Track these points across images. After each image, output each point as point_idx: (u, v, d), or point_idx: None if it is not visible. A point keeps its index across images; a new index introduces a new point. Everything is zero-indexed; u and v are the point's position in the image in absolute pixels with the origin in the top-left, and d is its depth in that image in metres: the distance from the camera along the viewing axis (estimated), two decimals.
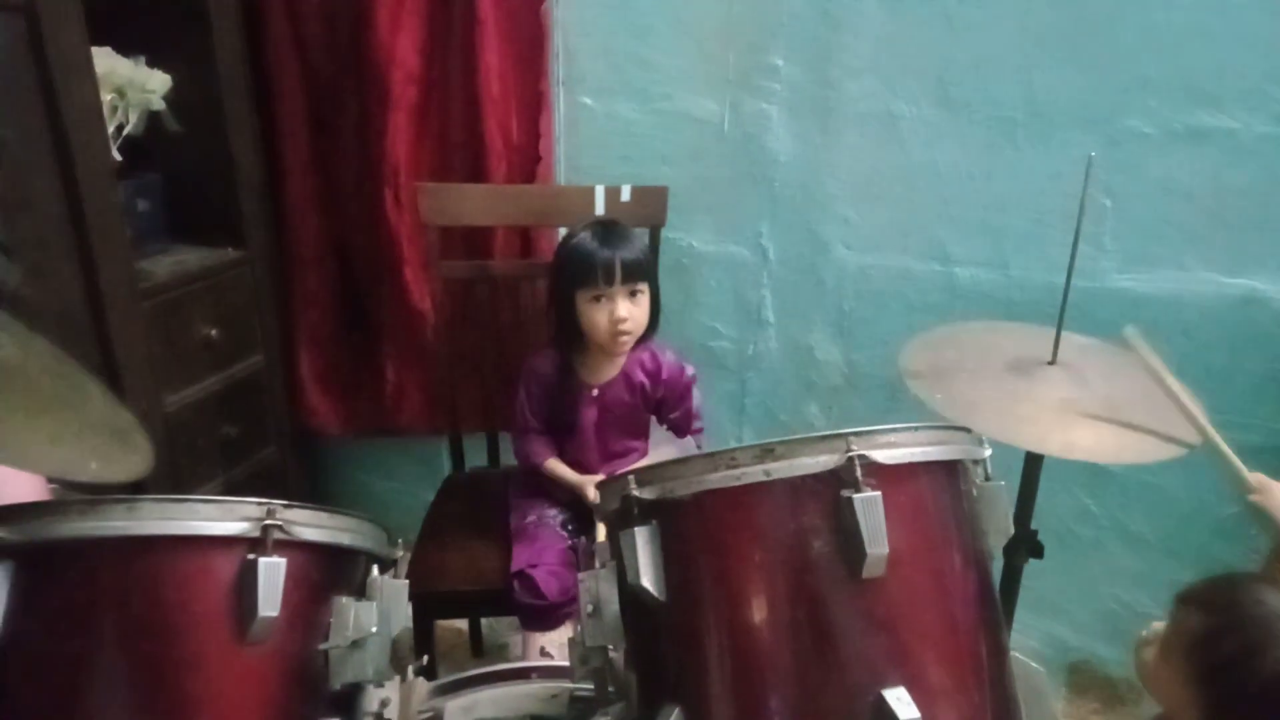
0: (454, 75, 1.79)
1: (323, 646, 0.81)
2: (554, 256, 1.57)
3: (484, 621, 2.01)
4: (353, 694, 0.86)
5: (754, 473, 0.72)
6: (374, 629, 0.83)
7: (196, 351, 1.85)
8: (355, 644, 0.82)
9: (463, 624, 2.03)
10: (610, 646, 0.81)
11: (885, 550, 0.69)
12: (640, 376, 1.56)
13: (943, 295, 1.73)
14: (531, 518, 1.52)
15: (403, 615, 0.88)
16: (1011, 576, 1.34)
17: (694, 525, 0.75)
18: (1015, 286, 1.68)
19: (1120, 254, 1.60)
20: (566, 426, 1.57)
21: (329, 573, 0.85)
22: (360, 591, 0.88)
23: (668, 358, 1.58)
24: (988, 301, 1.69)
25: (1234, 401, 1.59)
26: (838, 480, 0.72)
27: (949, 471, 0.79)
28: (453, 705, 1.05)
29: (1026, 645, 1.86)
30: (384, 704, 0.85)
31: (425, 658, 1.12)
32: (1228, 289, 1.56)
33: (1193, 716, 0.89)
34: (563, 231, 1.77)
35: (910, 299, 1.76)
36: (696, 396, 1.63)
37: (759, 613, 0.72)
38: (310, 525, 0.82)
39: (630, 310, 1.46)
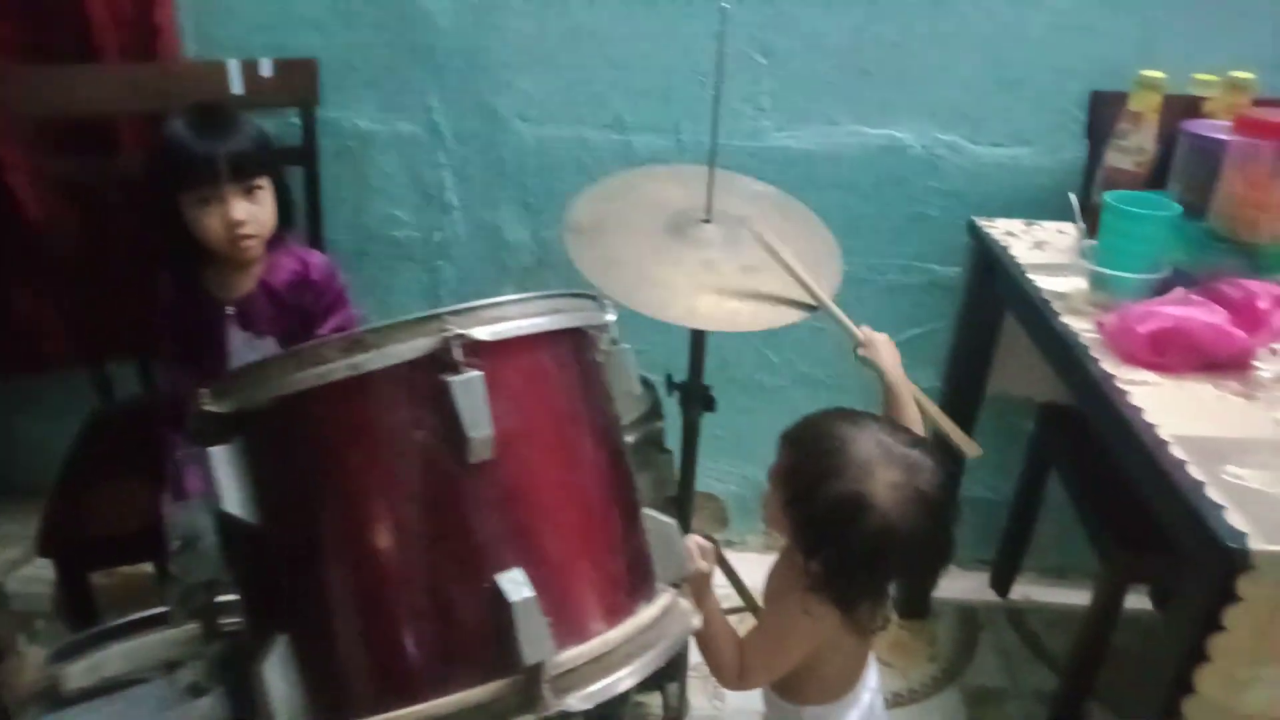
0: None
1: None
2: (148, 156, 1.32)
3: None
4: None
5: (340, 368, 0.65)
6: None
7: None
8: None
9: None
10: (216, 580, 0.72)
11: (489, 432, 0.65)
12: (283, 282, 1.36)
13: (620, 164, 1.70)
14: (181, 453, 1.35)
15: None
16: (690, 430, 1.38)
17: (281, 435, 0.67)
18: (688, 151, 1.69)
19: (778, 112, 1.65)
20: (209, 354, 1.35)
21: None
22: None
23: (315, 257, 1.40)
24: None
25: (882, 245, 1.73)
26: (437, 364, 0.66)
27: (567, 341, 0.76)
28: (75, 669, 0.92)
29: (725, 489, 1.98)
30: None
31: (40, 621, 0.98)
32: (871, 139, 1.65)
33: (792, 539, 0.97)
34: None
35: (590, 170, 1.72)
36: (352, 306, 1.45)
37: (364, 520, 0.66)
38: None
39: (249, 210, 1.25)
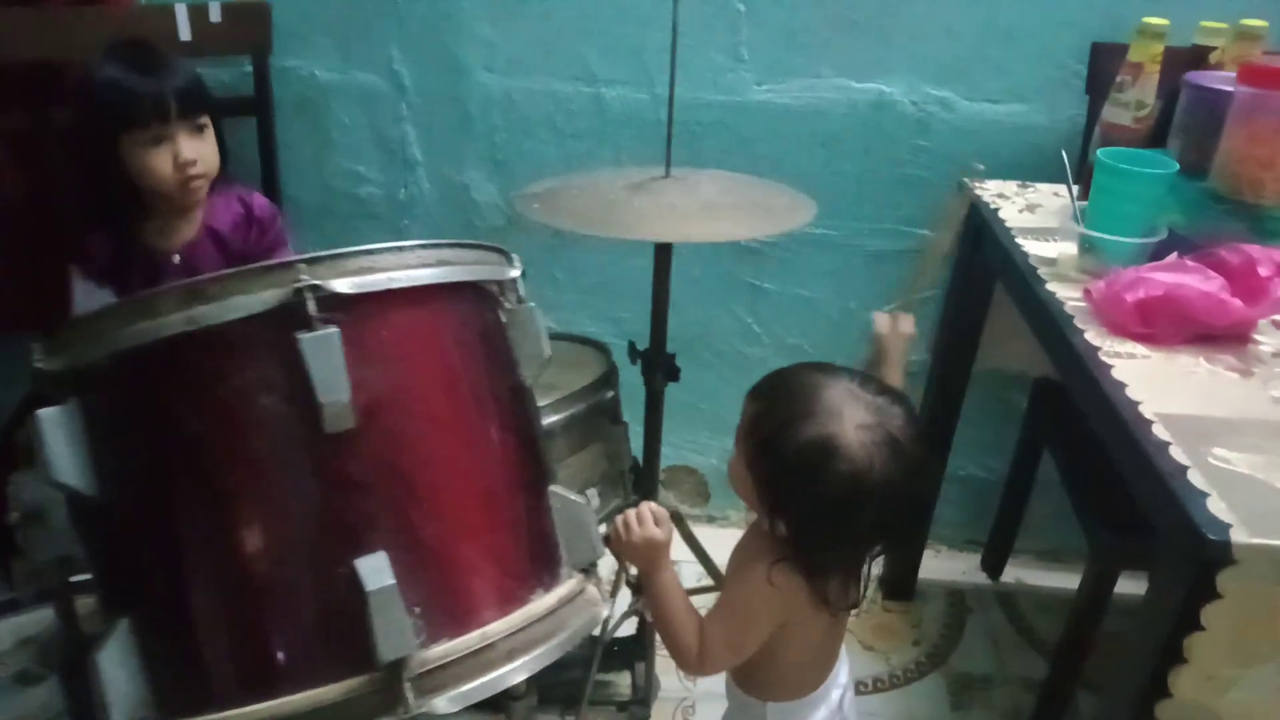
0: None
1: None
2: (76, 99, 1.22)
3: None
4: None
5: (176, 321, 0.57)
6: None
7: None
8: None
9: None
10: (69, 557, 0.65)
11: (344, 397, 0.57)
12: (226, 224, 1.30)
13: (593, 120, 1.62)
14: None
15: None
16: (654, 401, 1.30)
17: (118, 397, 0.60)
18: (662, 104, 1.58)
19: (758, 65, 1.55)
20: None
21: None
22: None
23: (255, 197, 1.33)
24: (637, 123, 1.60)
25: (868, 207, 1.62)
26: (289, 319, 0.58)
27: (459, 297, 0.67)
28: None
29: (705, 462, 1.90)
30: None
31: None
32: (858, 94, 1.55)
33: (753, 498, 0.90)
34: None
35: (560, 125, 1.63)
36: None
37: (209, 494, 0.59)
38: None
39: (198, 149, 1.19)
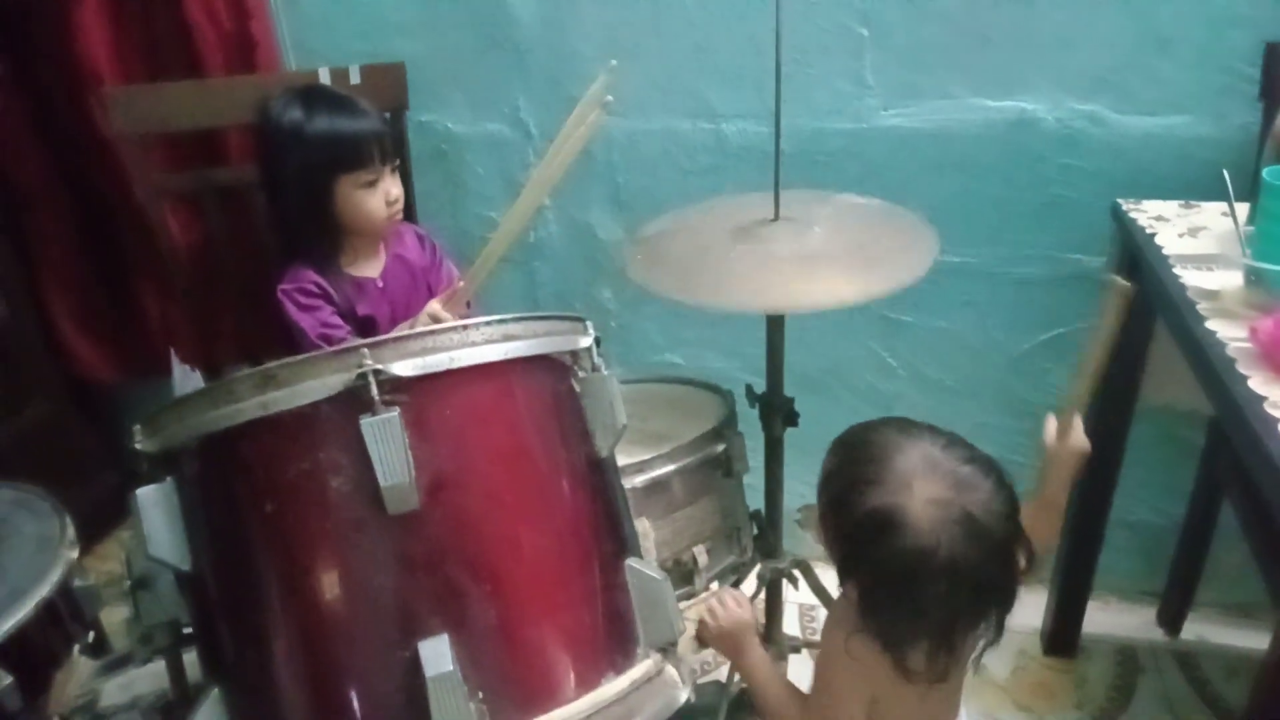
0: None
1: None
2: (284, 148, 1.30)
3: None
4: None
5: (251, 407, 0.59)
6: None
7: None
8: None
9: None
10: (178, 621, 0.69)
11: (406, 479, 0.58)
12: (410, 250, 1.42)
13: (713, 155, 1.59)
14: None
15: None
16: (773, 449, 1.26)
17: (203, 476, 0.63)
18: (785, 138, 1.54)
19: (884, 89, 1.47)
20: (359, 335, 1.34)
21: None
22: None
23: (416, 226, 1.46)
24: (758, 156, 1.56)
25: (1012, 234, 1.51)
26: (354, 403, 0.59)
27: (526, 370, 0.67)
28: (111, 685, 0.93)
29: None
30: None
31: (92, 634, 1.00)
32: (996, 114, 1.44)
33: (830, 550, 0.86)
34: None
35: (681, 163, 1.62)
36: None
37: (281, 574, 0.61)
38: None
39: (399, 187, 1.32)
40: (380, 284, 1.38)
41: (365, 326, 1.39)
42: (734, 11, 1.48)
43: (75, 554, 1.07)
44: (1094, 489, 1.50)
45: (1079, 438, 0.99)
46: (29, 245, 1.82)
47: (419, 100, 1.65)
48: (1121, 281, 0.86)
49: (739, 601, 0.87)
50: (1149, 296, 1.27)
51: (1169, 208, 1.29)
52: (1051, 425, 0.99)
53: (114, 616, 1.14)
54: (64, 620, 1.02)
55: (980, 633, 0.83)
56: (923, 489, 0.77)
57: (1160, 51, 1.34)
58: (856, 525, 0.78)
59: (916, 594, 0.77)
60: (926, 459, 0.79)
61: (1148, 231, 1.24)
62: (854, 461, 0.82)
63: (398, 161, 1.33)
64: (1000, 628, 0.82)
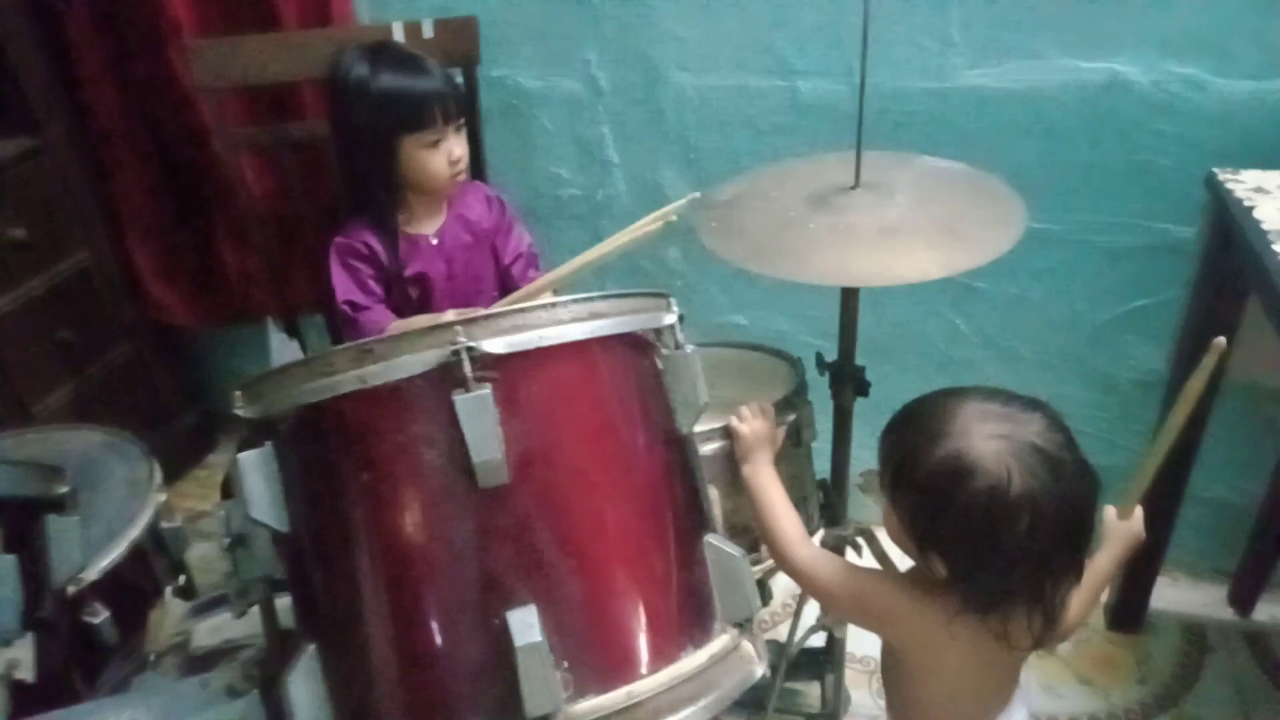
0: None
1: None
2: (350, 105, 1.30)
3: None
4: None
5: (349, 380, 0.61)
6: None
7: (5, 255, 1.71)
8: None
9: None
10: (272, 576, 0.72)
11: (497, 455, 0.59)
12: (474, 211, 1.41)
13: (788, 114, 1.56)
14: None
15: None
16: (841, 418, 1.24)
17: (301, 444, 0.65)
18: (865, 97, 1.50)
19: (970, 47, 1.42)
20: (410, 293, 1.40)
21: None
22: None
23: (485, 185, 1.44)
24: (833, 115, 1.52)
25: (1100, 201, 1.46)
26: (447, 379, 0.60)
27: (611, 348, 0.67)
28: (202, 627, 0.98)
29: None
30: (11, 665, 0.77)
31: (183, 577, 1.05)
32: (1087, 75, 1.38)
33: (906, 542, 0.85)
34: None
35: (755, 121, 1.59)
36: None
37: (376, 541, 0.63)
38: None
39: (463, 146, 1.31)
40: (435, 241, 1.38)
41: (416, 284, 1.39)
42: None
43: (164, 497, 1.13)
44: (1172, 464, 1.46)
45: (1137, 523, 0.98)
46: (114, 192, 1.87)
47: (491, 55, 1.64)
48: (1221, 340, 0.83)
49: (763, 412, 0.95)
50: (1243, 271, 1.23)
51: (1270, 178, 1.23)
52: (1112, 514, 0.98)
53: (196, 554, 1.21)
54: (153, 560, 1.07)
55: (1067, 589, 0.83)
56: (980, 430, 0.78)
57: (1267, 11, 1.27)
58: (925, 486, 0.79)
59: (1003, 541, 0.77)
60: (975, 409, 0.80)
61: (1245, 204, 1.19)
62: (910, 429, 0.84)
63: (463, 121, 1.32)
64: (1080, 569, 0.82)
